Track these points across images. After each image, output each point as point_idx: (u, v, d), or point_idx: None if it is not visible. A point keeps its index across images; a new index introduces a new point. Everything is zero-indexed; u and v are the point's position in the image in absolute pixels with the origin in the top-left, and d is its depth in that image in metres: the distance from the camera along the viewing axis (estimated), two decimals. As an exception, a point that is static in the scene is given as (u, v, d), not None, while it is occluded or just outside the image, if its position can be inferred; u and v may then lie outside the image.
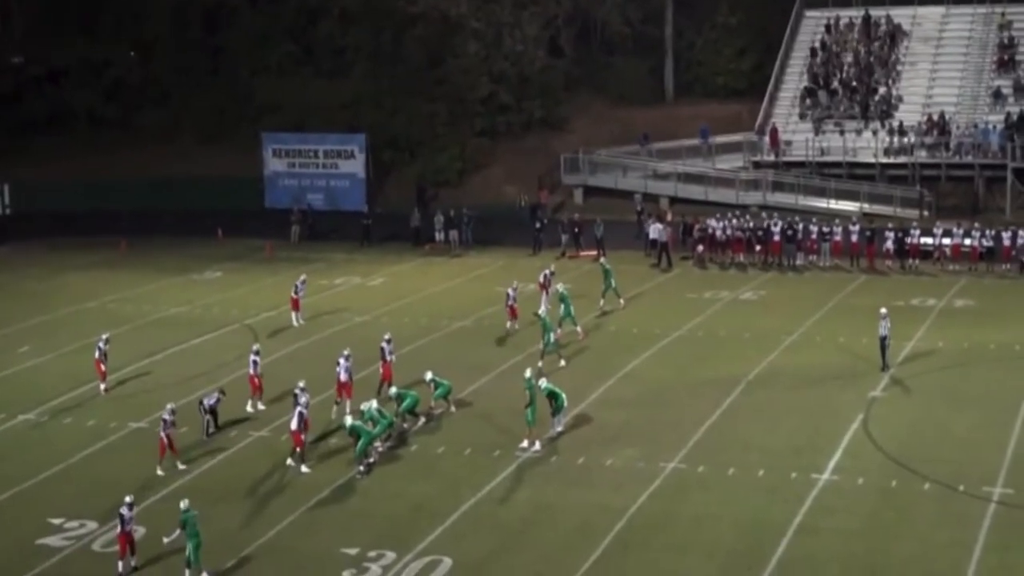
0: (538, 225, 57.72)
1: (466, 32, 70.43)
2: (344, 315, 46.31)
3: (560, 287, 43.27)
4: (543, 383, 32.98)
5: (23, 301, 50.17)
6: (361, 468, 30.83)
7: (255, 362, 35.91)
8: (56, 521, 28.58)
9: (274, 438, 33.18)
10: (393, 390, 34.26)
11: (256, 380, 35.80)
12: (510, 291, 43.47)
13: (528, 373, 33.11)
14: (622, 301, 45.97)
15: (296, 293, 45.00)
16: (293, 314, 45.06)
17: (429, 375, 34.83)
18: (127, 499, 26.51)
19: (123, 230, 62.21)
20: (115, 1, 77.84)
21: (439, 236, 59.09)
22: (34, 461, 32.44)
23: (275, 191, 69.14)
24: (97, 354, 37.86)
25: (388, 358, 36.34)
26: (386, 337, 37.06)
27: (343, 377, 34.76)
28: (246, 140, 70.49)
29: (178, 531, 25.94)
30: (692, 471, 30.47)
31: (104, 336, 38.50)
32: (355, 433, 30.99)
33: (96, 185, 68.32)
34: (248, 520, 28.58)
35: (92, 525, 28.34)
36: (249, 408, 35.56)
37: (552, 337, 39.32)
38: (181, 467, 31.34)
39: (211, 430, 33.75)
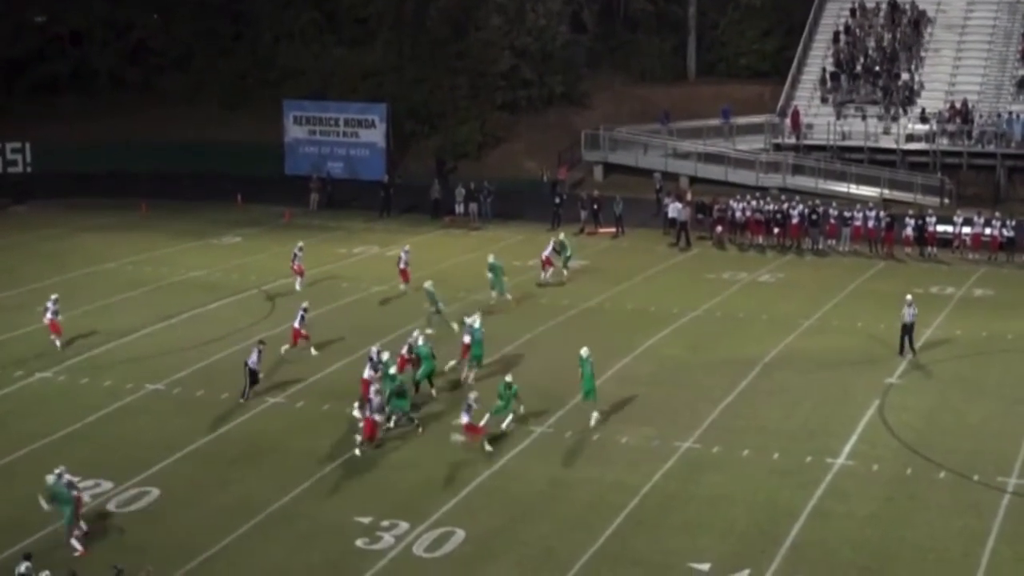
0: (557, 201, 57.70)
1: (489, 5, 70.28)
2: (361, 284, 46.34)
3: (491, 257, 43.84)
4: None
5: (42, 260, 50.31)
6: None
7: (302, 317, 37.11)
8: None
9: (289, 404, 33.26)
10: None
11: (301, 332, 36.91)
12: (402, 254, 44.73)
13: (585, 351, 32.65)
14: (566, 272, 46.52)
15: (296, 261, 45.36)
16: (297, 279, 45.38)
17: (418, 337, 34.99)
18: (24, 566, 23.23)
19: (143, 193, 62.25)
20: (139, -38, 77.78)
21: (459, 208, 59.10)
22: (50, 419, 32.64)
23: (295, 158, 69.10)
24: (49, 315, 38.52)
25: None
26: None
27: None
28: (267, 106, 70.38)
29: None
30: (707, 451, 30.51)
31: (53, 296, 39.16)
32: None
33: (117, 147, 68.32)
34: (262, 485, 28.66)
35: (107, 485, 28.50)
36: (313, 351, 36.91)
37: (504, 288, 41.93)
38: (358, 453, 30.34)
39: (248, 393, 33.67)
